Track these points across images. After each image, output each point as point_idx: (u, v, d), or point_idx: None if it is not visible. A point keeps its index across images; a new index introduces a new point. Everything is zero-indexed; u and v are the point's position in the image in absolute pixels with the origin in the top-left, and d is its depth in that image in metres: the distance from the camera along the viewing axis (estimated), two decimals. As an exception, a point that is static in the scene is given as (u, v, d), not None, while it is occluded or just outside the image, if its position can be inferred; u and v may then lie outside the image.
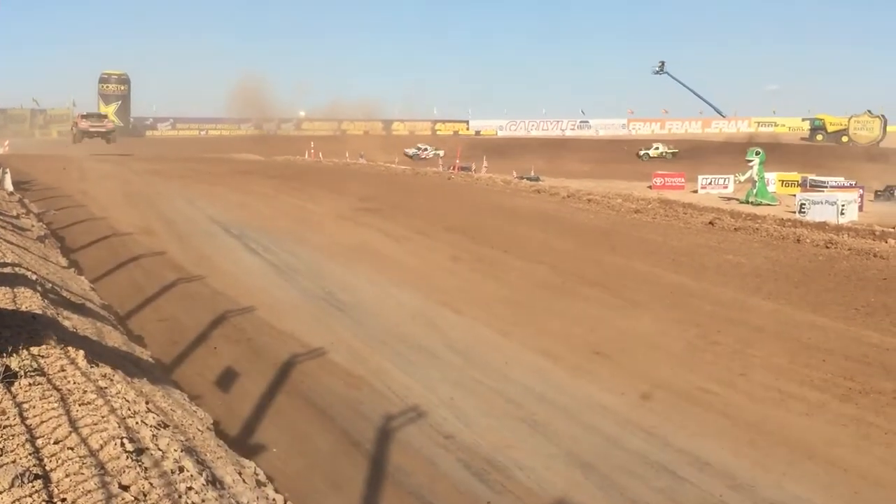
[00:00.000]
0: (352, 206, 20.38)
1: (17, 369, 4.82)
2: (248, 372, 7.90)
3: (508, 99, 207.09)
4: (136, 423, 4.48)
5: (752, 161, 32.74)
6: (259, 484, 4.97)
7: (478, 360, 8.34)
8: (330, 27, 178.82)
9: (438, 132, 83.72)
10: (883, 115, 72.62)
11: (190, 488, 3.89)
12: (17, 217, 15.56)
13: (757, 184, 32.40)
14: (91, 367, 5.35)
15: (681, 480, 5.77)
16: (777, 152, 45.19)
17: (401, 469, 5.92)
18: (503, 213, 19.95)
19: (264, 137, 72.44)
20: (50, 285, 8.74)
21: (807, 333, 9.16)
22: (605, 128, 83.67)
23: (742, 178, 34.13)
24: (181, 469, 4.06)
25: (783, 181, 37.20)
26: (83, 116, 50.97)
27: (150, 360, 7.70)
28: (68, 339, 5.88)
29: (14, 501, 3.32)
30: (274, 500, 4.89)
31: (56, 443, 3.97)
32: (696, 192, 36.83)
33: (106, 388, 4.99)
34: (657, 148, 62.61)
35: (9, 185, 21.49)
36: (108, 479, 3.62)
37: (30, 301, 7.04)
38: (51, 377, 4.93)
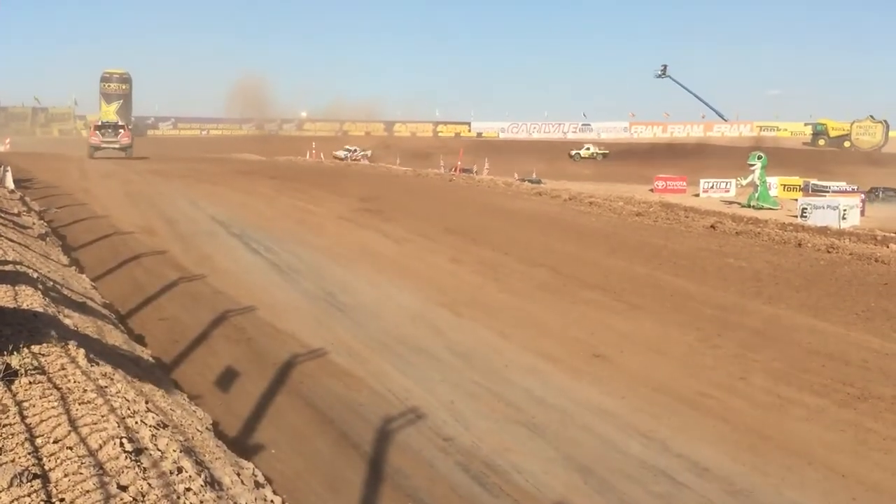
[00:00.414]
0: (352, 207, 20.38)
1: (18, 367, 4.82)
2: (248, 372, 7.90)
3: (510, 101, 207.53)
4: (136, 422, 4.48)
5: (753, 165, 32.81)
6: (258, 485, 4.97)
7: (478, 363, 8.34)
8: (332, 27, 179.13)
9: (440, 134, 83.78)
10: (885, 121, 72.71)
11: (188, 489, 3.89)
12: (18, 215, 15.56)
13: (759, 188, 32.44)
14: (91, 365, 5.36)
15: (679, 485, 5.76)
16: (779, 157, 45.16)
17: (400, 471, 5.92)
18: (504, 216, 19.95)
19: (266, 137, 72.61)
20: (51, 283, 8.74)
21: (807, 338, 9.15)
22: (607, 131, 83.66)
23: (744, 182, 34.19)
24: (180, 469, 4.07)
25: (785, 185, 37.25)
26: (97, 128, 42.71)
27: (151, 359, 7.71)
28: (69, 337, 5.88)
29: (13, 501, 3.33)
30: (272, 501, 4.89)
31: (55, 442, 3.97)
32: (697, 195, 36.88)
33: (106, 387, 5.00)
34: (588, 149, 67.80)
35: (10, 183, 21.52)
36: (106, 479, 3.62)
37: (31, 299, 7.05)
38: (51, 376, 4.93)
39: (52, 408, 4.38)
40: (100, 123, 44.87)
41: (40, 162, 33.29)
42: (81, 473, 3.62)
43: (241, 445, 6.05)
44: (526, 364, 8.32)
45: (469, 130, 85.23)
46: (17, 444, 3.90)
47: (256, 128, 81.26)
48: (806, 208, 25.77)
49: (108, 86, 77.30)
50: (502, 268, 13.13)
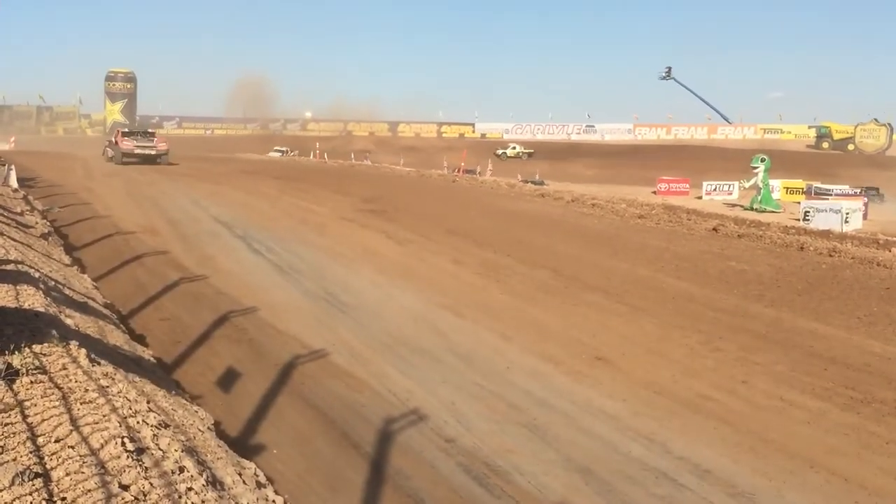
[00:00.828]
0: (355, 208, 20.39)
1: (19, 367, 4.83)
2: (250, 372, 7.91)
3: (514, 102, 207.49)
4: (137, 422, 4.48)
5: (757, 168, 32.74)
6: (259, 485, 4.98)
7: (479, 364, 8.34)
8: (334, 27, 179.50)
9: (444, 134, 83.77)
10: (889, 124, 72.47)
11: (190, 489, 3.89)
12: (21, 214, 15.59)
13: (762, 190, 32.39)
14: (93, 365, 5.36)
15: (681, 488, 5.76)
16: (782, 159, 45.09)
17: (401, 472, 5.92)
18: (507, 217, 19.95)
19: (270, 137, 72.72)
20: (52, 283, 8.75)
21: (809, 342, 9.14)
22: (611, 132, 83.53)
23: (747, 185, 34.14)
24: (181, 469, 4.07)
25: (788, 188, 37.18)
26: (125, 135, 37.05)
27: (152, 359, 7.71)
28: (70, 337, 5.89)
29: (14, 500, 3.33)
30: (274, 501, 4.90)
31: (57, 441, 3.97)
32: (700, 198, 36.83)
33: (107, 386, 5.00)
34: (514, 148, 69.58)
35: (14, 182, 21.55)
36: (108, 478, 3.62)
37: (32, 299, 7.05)
38: (52, 375, 4.93)
39: (54, 407, 4.39)
40: (128, 130, 40.52)
41: (44, 160, 33.37)
42: (83, 473, 3.62)
43: (243, 446, 6.06)
44: (527, 366, 8.31)
45: (473, 131, 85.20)
46: (18, 443, 3.90)
47: (261, 127, 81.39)
48: (808, 211, 25.71)
49: (113, 85, 77.45)
50: (504, 269, 13.13)
